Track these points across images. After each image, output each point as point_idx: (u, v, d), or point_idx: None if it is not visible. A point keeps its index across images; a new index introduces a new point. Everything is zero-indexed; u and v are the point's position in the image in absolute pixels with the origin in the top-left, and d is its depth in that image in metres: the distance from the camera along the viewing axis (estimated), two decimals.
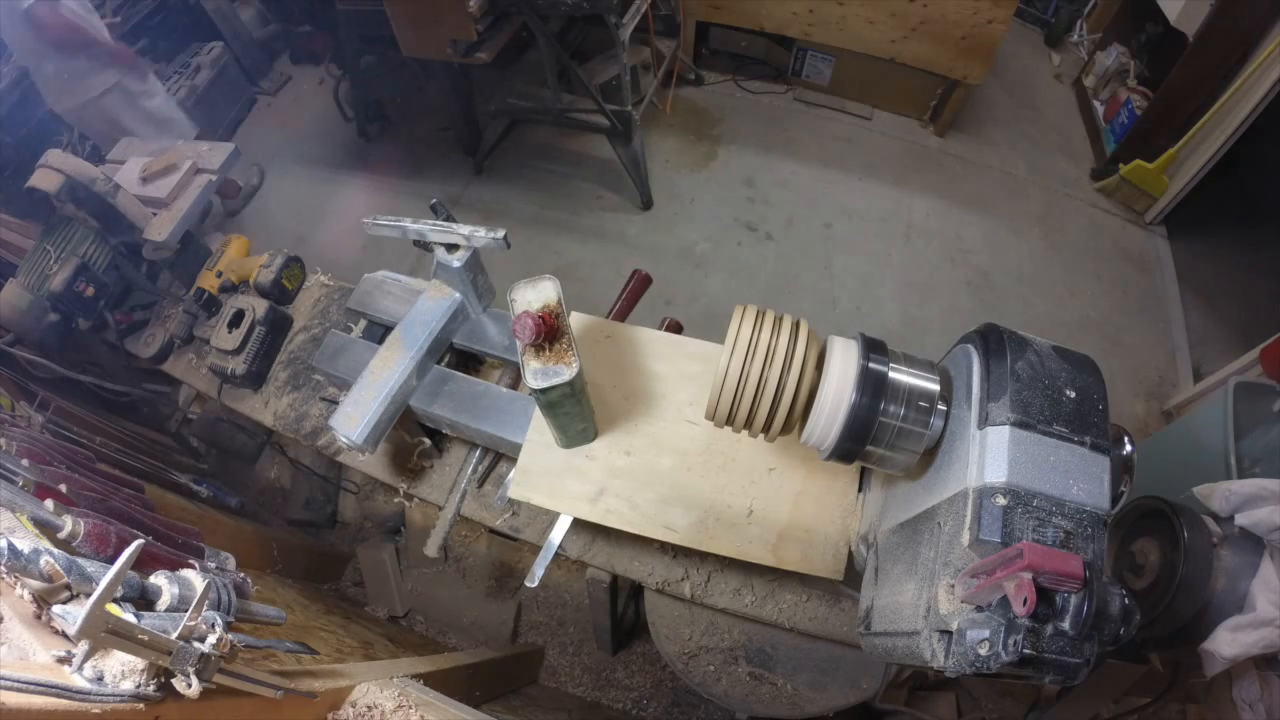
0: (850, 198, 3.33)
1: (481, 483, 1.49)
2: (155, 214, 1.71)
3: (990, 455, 0.74)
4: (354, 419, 1.23)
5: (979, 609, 0.69)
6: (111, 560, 0.67)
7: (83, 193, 1.59)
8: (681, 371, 1.26)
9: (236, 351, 1.60)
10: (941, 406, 0.85)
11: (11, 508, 0.74)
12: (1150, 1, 3.22)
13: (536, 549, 1.32)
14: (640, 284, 1.66)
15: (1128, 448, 0.79)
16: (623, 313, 1.63)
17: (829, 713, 1.47)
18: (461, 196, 3.41)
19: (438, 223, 1.28)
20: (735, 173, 3.42)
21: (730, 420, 0.93)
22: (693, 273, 3.08)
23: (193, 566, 0.80)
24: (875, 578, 0.97)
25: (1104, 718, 1.58)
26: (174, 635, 0.63)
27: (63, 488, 0.89)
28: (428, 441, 1.48)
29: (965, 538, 0.72)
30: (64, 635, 0.63)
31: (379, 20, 2.72)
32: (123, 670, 0.61)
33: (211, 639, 0.65)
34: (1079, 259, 3.17)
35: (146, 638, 0.60)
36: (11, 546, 0.61)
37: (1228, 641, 1.13)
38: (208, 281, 1.77)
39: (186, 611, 0.66)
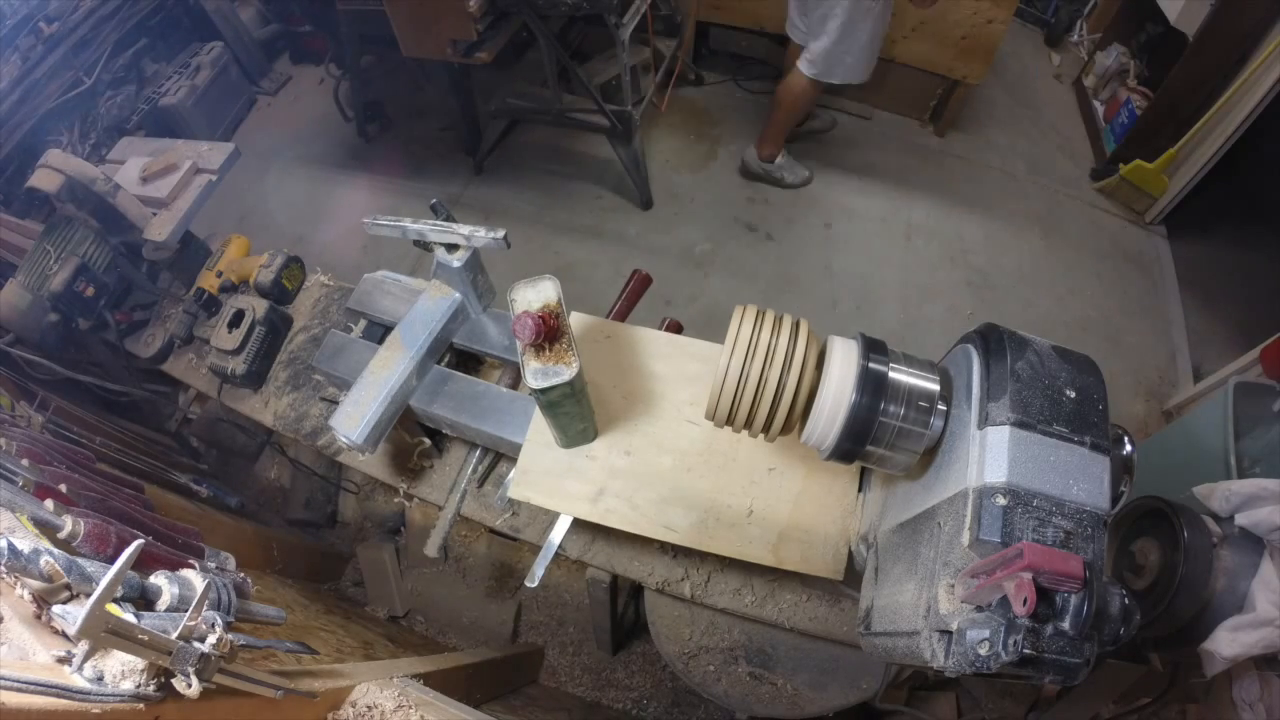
0: (850, 198, 3.33)
1: (481, 483, 1.49)
2: (155, 214, 1.71)
3: (990, 455, 0.74)
4: (354, 419, 1.23)
5: (979, 609, 0.69)
6: (111, 560, 0.67)
7: (83, 193, 1.59)
8: (681, 371, 1.26)
9: (236, 351, 1.60)
10: (941, 406, 0.85)
11: (11, 508, 0.74)
12: (1150, 1, 3.22)
13: (536, 549, 1.32)
14: (640, 284, 1.66)
15: (1128, 448, 0.79)
16: (623, 313, 1.63)
17: (829, 713, 1.47)
18: (461, 196, 3.41)
19: (438, 223, 1.28)
20: (735, 173, 3.42)
21: (730, 420, 0.93)
22: (693, 273, 3.07)
23: (193, 566, 0.80)
24: (875, 578, 0.97)
25: (1104, 718, 1.58)
26: (174, 635, 0.63)
27: (63, 488, 0.89)
28: (428, 441, 1.48)
29: (965, 538, 0.72)
30: (64, 635, 0.63)
31: (379, 20, 2.71)
32: (123, 670, 0.61)
33: (211, 639, 0.66)
34: (1079, 259, 3.17)
35: (146, 638, 0.60)
36: (11, 546, 0.61)
37: (1228, 641, 1.13)
38: (208, 281, 1.77)
39: (186, 611, 0.66)
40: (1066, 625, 0.64)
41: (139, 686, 0.61)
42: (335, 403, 1.47)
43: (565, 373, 1.02)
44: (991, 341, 0.81)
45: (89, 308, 1.68)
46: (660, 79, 3.37)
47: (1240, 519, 1.18)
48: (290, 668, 0.93)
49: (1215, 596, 1.15)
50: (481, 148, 3.43)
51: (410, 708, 0.96)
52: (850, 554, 1.12)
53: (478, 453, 1.48)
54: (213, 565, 0.92)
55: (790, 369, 0.89)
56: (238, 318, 1.62)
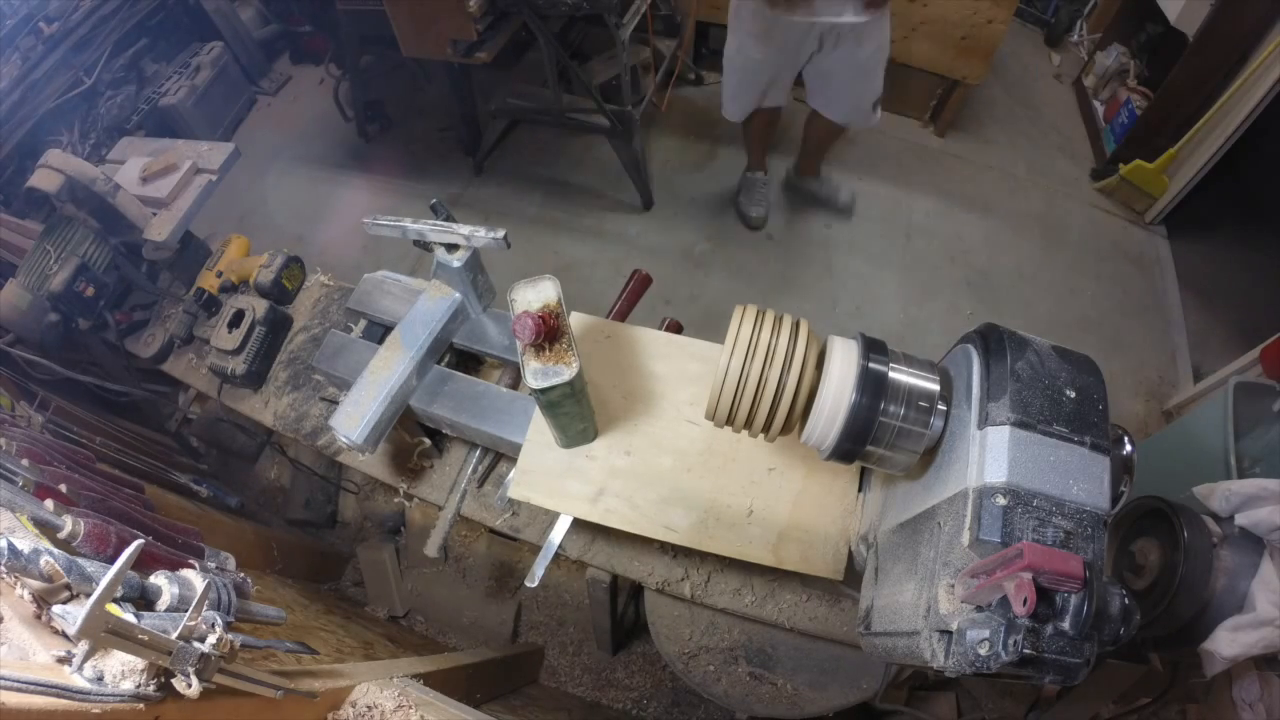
0: None
1: (481, 483, 1.49)
2: (155, 214, 1.71)
3: (990, 455, 0.74)
4: (354, 419, 1.23)
5: (979, 609, 0.69)
6: (111, 560, 0.67)
7: (83, 193, 1.59)
8: (681, 371, 1.26)
9: (236, 351, 1.60)
10: (941, 406, 0.85)
11: (11, 508, 0.74)
12: (1150, 1, 3.22)
13: (536, 549, 1.32)
14: (640, 284, 1.66)
15: (1128, 448, 0.79)
16: (623, 313, 1.63)
17: (829, 713, 1.47)
18: (461, 196, 3.41)
19: (438, 223, 1.28)
20: (735, 173, 3.41)
21: (730, 420, 0.93)
22: (693, 273, 3.07)
23: (193, 566, 0.80)
24: (875, 578, 0.97)
25: (1104, 718, 1.58)
26: (174, 635, 0.63)
27: (63, 488, 0.89)
28: (428, 441, 1.48)
29: (965, 538, 0.72)
30: (64, 635, 0.63)
31: (379, 20, 2.71)
32: (123, 670, 0.61)
33: (211, 639, 0.65)
34: (1079, 259, 3.17)
35: (146, 638, 0.60)
36: (11, 546, 0.61)
37: (1228, 641, 1.13)
38: (208, 281, 1.77)
39: (186, 611, 0.66)
40: (1066, 625, 0.64)
41: (139, 686, 0.61)
42: (335, 403, 1.47)
43: (565, 373, 1.02)
44: (991, 341, 0.81)
45: (89, 308, 1.67)
46: (660, 79, 3.37)
47: (1240, 519, 1.18)
48: (290, 668, 0.93)
49: (1215, 596, 1.15)
50: (481, 148, 3.43)
51: (410, 708, 0.96)
52: (850, 554, 1.12)
53: (478, 453, 1.48)
54: (213, 565, 0.92)
55: (790, 369, 0.89)
56: (238, 318, 1.62)
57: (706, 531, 1.15)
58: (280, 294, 1.73)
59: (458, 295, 1.36)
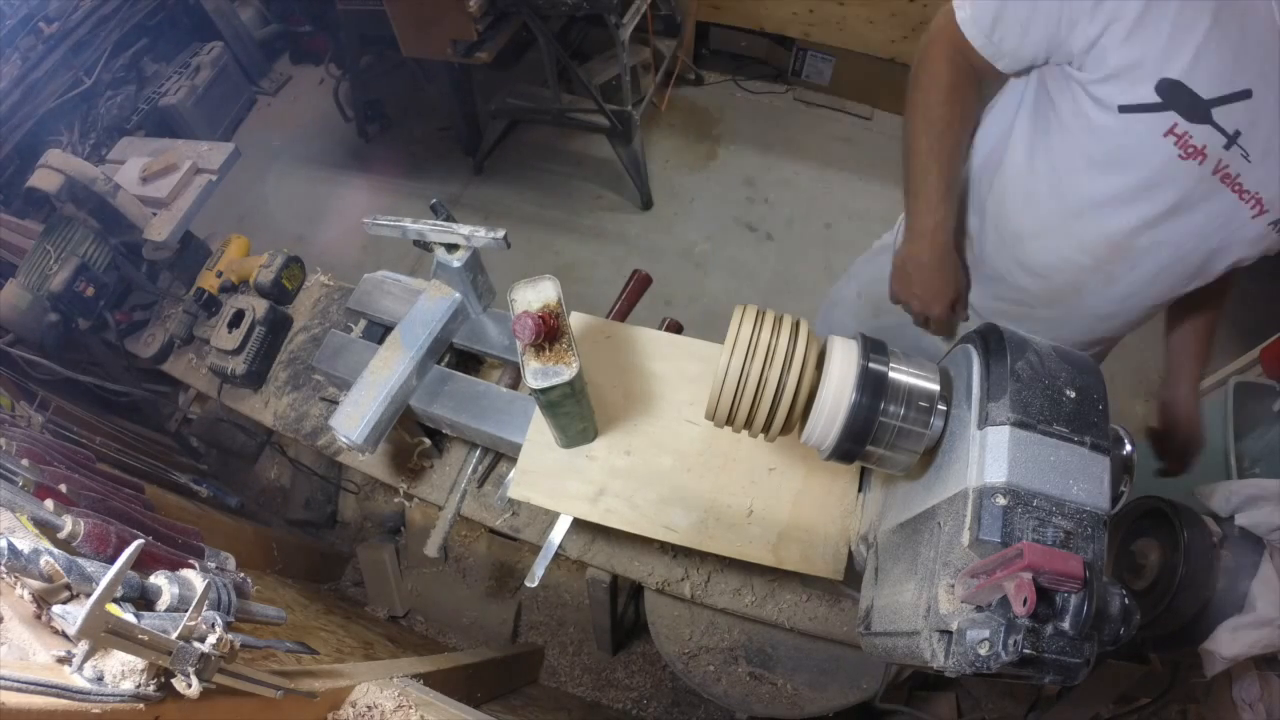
0: (850, 198, 3.33)
1: (481, 483, 1.49)
2: (155, 214, 1.71)
3: (990, 455, 0.73)
4: (354, 419, 1.23)
5: (979, 609, 0.69)
6: (111, 560, 0.67)
7: (83, 193, 1.59)
8: (681, 371, 1.26)
9: (236, 351, 1.60)
10: (941, 406, 0.85)
11: (11, 508, 0.74)
12: None
13: (536, 549, 1.32)
14: (640, 284, 1.66)
15: (1128, 448, 0.79)
16: (623, 313, 1.63)
17: (829, 713, 1.47)
18: (461, 196, 3.41)
19: (438, 223, 1.28)
20: (735, 173, 3.42)
21: (730, 420, 0.93)
22: (693, 273, 3.08)
23: (193, 566, 0.80)
24: (875, 578, 0.97)
25: (1104, 718, 1.58)
26: (174, 635, 0.63)
27: (63, 488, 0.89)
28: (428, 441, 1.48)
29: (965, 538, 0.72)
30: (64, 635, 0.63)
31: (379, 20, 2.72)
32: (123, 670, 0.61)
33: (211, 639, 0.65)
34: None
35: (146, 638, 0.60)
36: (11, 546, 0.61)
37: (1228, 641, 1.13)
38: (208, 281, 1.77)
39: (186, 611, 0.66)
40: (1066, 625, 0.64)
41: (139, 686, 0.61)
42: (335, 403, 1.47)
43: (565, 373, 1.02)
44: (991, 341, 0.81)
45: (89, 308, 1.67)
46: (660, 79, 3.37)
47: (1240, 519, 1.18)
48: (290, 668, 0.93)
49: (1215, 596, 1.15)
50: (481, 148, 3.43)
51: (410, 708, 0.96)
52: (850, 554, 1.12)
53: (478, 453, 1.48)
54: (213, 565, 0.92)
55: (790, 369, 0.88)
56: (238, 318, 1.62)
57: (706, 531, 1.15)
58: (280, 294, 1.73)
59: (458, 295, 1.36)
